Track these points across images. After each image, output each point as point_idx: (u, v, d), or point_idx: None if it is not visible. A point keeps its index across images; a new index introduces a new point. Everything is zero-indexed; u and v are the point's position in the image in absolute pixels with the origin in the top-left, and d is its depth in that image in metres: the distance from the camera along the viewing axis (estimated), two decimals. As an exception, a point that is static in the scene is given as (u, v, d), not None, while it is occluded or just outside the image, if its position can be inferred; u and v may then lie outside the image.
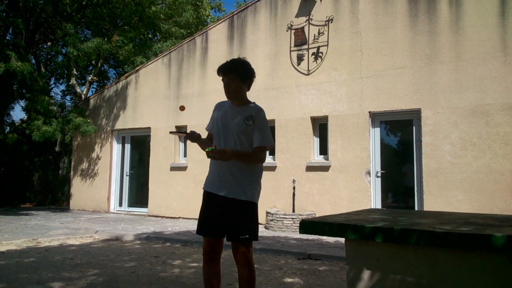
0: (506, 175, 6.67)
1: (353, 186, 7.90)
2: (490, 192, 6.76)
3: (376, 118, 8.02)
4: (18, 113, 48.75)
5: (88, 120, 11.51)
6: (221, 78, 2.84)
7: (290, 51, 8.94)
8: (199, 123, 9.80)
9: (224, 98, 2.96)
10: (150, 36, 17.67)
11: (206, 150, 2.62)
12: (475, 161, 6.92)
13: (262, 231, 7.69)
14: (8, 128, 17.11)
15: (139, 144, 11.78)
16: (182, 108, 3.11)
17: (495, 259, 1.59)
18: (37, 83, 11.40)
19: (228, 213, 2.72)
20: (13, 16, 11.04)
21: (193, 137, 2.79)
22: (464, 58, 7.16)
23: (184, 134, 2.77)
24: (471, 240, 1.59)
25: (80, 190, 12.16)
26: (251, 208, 2.76)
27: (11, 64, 10.13)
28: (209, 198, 2.83)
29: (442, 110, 7.26)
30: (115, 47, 11.71)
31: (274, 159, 8.91)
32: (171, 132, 2.93)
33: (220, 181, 2.77)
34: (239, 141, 2.76)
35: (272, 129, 9.06)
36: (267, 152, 9.21)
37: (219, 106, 2.96)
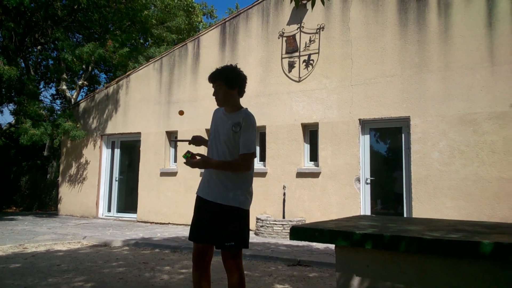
0: (493, 183, 6.77)
1: (343, 193, 7.94)
2: (477, 199, 6.85)
3: (366, 125, 8.09)
4: (6, 117, 48.09)
5: (78, 125, 11.41)
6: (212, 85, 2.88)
7: (282, 58, 8.99)
8: (190, 128, 9.78)
9: (215, 104, 2.98)
10: (142, 41, 17.63)
11: (183, 156, 2.67)
12: (463, 168, 7.00)
13: (252, 237, 7.67)
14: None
15: (129, 149, 11.70)
16: (181, 112, 3.13)
17: (483, 266, 1.61)
18: (27, 87, 11.28)
19: (217, 219, 2.71)
20: (3, 19, 10.94)
21: (197, 141, 2.80)
22: (453, 68, 7.27)
23: (187, 141, 2.78)
24: (459, 247, 1.61)
25: (69, 195, 12.02)
26: (240, 214, 2.74)
27: None
28: (200, 203, 2.83)
29: (431, 118, 7.34)
30: (109, 52, 11.65)
31: (264, 165, 8.92)
32: (172, 140, 2.92)
33: (209, 186, 2.77)
34: (227, 148, 2.76)
35: (263, 135, 9.09)
36: (257, 158, 9.23)
37: (216, 112, 2.98)
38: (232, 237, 2.67)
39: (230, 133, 2.76)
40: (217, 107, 2.98)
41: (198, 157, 2.71)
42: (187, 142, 2.80)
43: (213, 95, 2.85)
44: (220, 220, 2.70)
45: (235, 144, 2.76)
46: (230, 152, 2.76)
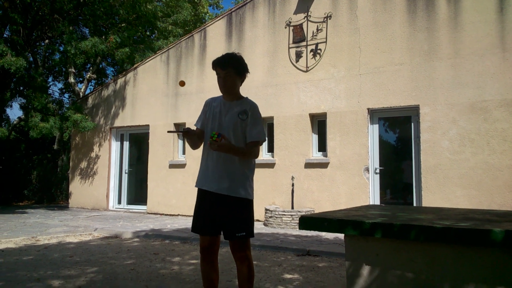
0: (504, 171, 6.69)
1: (352, 183, 7.91)
2: (488, 188, 6.78)
3: (375, 114, 8.03)
4: (16, 112, 48.64)
5: (86, 117, 11.47)
6: (215, 72, 2.83)
7: (289, 48, 8.93)
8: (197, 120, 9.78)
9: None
10: (148, 33, 17.60)
11: (212, 135, 2.59)
12: (473, 157, 6.93)
13: (261, 228, 7.70)
14: (5, 125, 17.04)
15: (138, 142, 11.76)
16: (182, 83, 3.09)
17: (494, 254, 1.59)
18: (35, 81, 11.35)
19: (223, 210, 2.71)
20: (10, 12, 10.98)
21: (190, 134, 2.79)
22: (463, 55, 7.16)
23: (181, 132, 2.75)
24: (470, 235, 1.60)
25: (79, 188, 12.15)
26: (247, 205, 2.76)
27: (5, 59, 10.06)
28: (203, 195, 2.82)
29: (440, 107, 7.26)
30: (111, 48, 11.64)
31: (272, 156, 8.91)
32: (169, 131, 2.91)
33: (213, 178, 2.75)
34: (233, 135, 2.75)
35: (271, 126, 9.06)
36: (265, 149, 9.22)
37: (211, 102, 2.95)
38: (242, 228, 2.69)
39: (236, 121, 2.76)
40: (213, 97, 2.98)
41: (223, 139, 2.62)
42: (181, 134, 2.79)
43: (220, 81, 2.81)
44: (227, 211, 2.70)
45: (241, 132, 2.77)
46: (235, 139, 2.75)
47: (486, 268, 1.61)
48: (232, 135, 2.75)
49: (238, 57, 2.84)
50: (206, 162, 2.83)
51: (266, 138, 2.81)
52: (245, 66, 2.86)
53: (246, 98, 2.91)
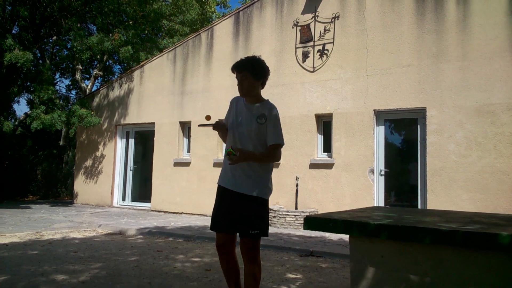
0: (510, 175, 6.64)
1: (357, 184, 7.89)
2: (494, 192, 6.73)
3: (381, 116, 8.00)
4: (23, 108, 48.95)
5: (92, 112, 11.49)
6: (235, 75, 2.86)
7: (296, 48, 8.91)
8: (203, 119, 9.78)
9: (228, 94, 2.97)
10: (155, 32, 17.64)
11: (228, 150, 2.68)
12: (479, 160, 6.88)
13: (264, 228, 7.69)
14: (11, 120, 17.16)
15: (143, 139, 11.80)
16: (208, 117, 3.15)
17: (500, 258, 1.58)
18: (42, 74, 11.39)
19: (240, 208, 2.73)
20: (18, 7, 11.06)
21: (219, 126, 2.85)
22: (471, 57, 7.11)
23: (211, 126, 2.83)
24: (476, 238, 1.59)
25: (84, 184, 12.21)
26: (262, 204, 2.78)
27: (13, 53, 10.12)
28: (222, 192, 2.85)
29: (447, 109, 7.22)
30: (116, 45, 11.67)
31: (277, 156, 8.90)
32: (199, 125, 2.93)
33: (233, 176, 2.78)
34: (251, 139, 2.77)
35: (276, 126, 9.04)
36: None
37: (235, 102, 2.95)
38: (257, 225, 2.71)
39: (254, 124, 2.77)
40: (233, 96, 3.00)
41: (238, 153, 2.70)
42: (211, 127, 2.85)
43: (238, 84, 2.84)
44: (243, 209, 2.72)
45: (259, 135, 2.78)
46: (254, 142, 2.77)
47: (492, 272, 1.60)
48: (249, 138, 2.77)
49: (256, 60, 2.84)
50: (226, 160, 2.86)
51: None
52: (264, 69, 2.85)
53: (267, 101, 2.90)
